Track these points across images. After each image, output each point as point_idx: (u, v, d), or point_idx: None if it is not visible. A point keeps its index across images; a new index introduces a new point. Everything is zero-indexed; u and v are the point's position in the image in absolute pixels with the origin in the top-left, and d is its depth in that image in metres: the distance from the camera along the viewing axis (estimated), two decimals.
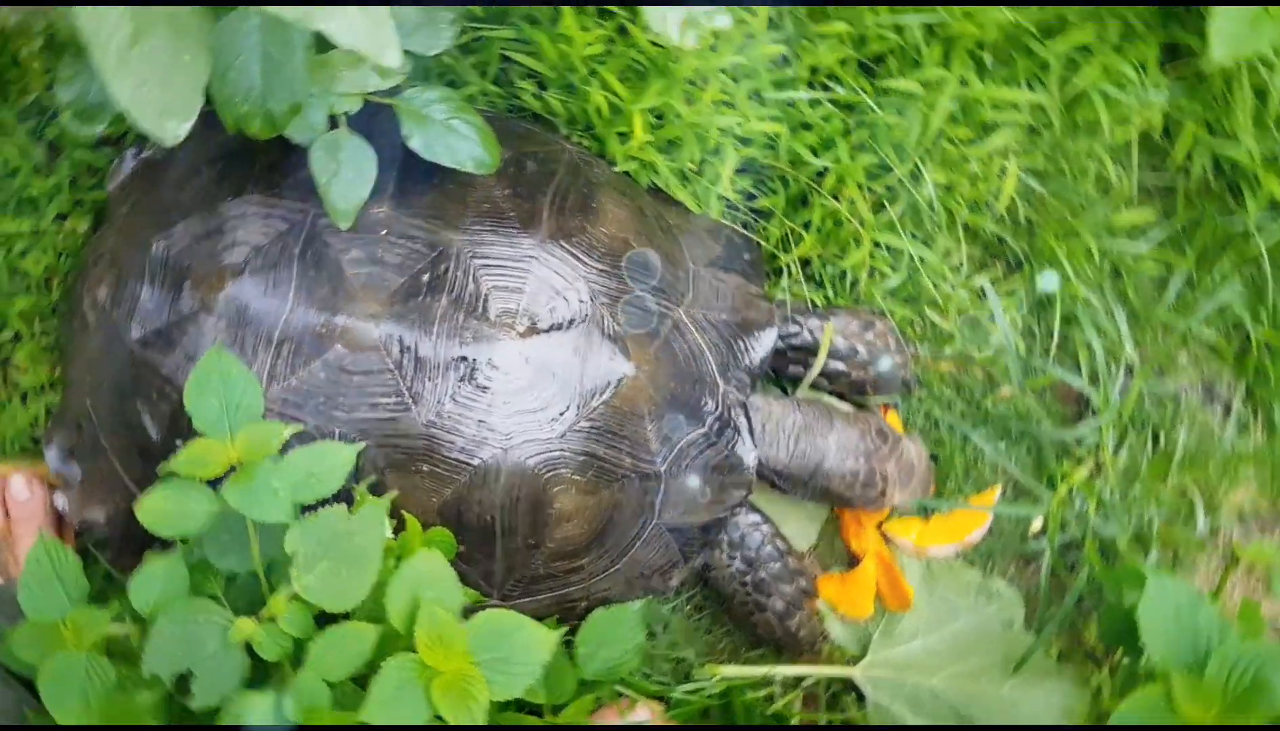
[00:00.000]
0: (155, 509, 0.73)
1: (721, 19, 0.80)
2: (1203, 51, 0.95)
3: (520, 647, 0.74)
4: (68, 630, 0.76)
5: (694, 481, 0.95)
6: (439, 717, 0.71)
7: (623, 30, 1.00)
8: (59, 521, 1.05)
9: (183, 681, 0.74)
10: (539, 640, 0.75)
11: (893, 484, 0.98)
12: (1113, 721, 0.75)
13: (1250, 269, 1.08)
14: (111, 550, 1.01)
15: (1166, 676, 0.75)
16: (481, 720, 0.72)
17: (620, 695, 1.00)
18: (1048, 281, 1.02)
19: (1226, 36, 0.92)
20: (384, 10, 0.63)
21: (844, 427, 0.98)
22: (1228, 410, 1.10)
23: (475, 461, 0.87)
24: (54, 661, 0.76)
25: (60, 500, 1.02)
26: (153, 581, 0.76)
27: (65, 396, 1.04)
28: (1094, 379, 1.05)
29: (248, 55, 0.71)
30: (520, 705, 0.96)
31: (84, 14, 0.63)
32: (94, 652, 0.76)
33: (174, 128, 0.65)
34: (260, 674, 0.78)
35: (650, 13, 0.78)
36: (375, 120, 0.86)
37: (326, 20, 0.59)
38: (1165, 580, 0.78)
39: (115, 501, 0.98)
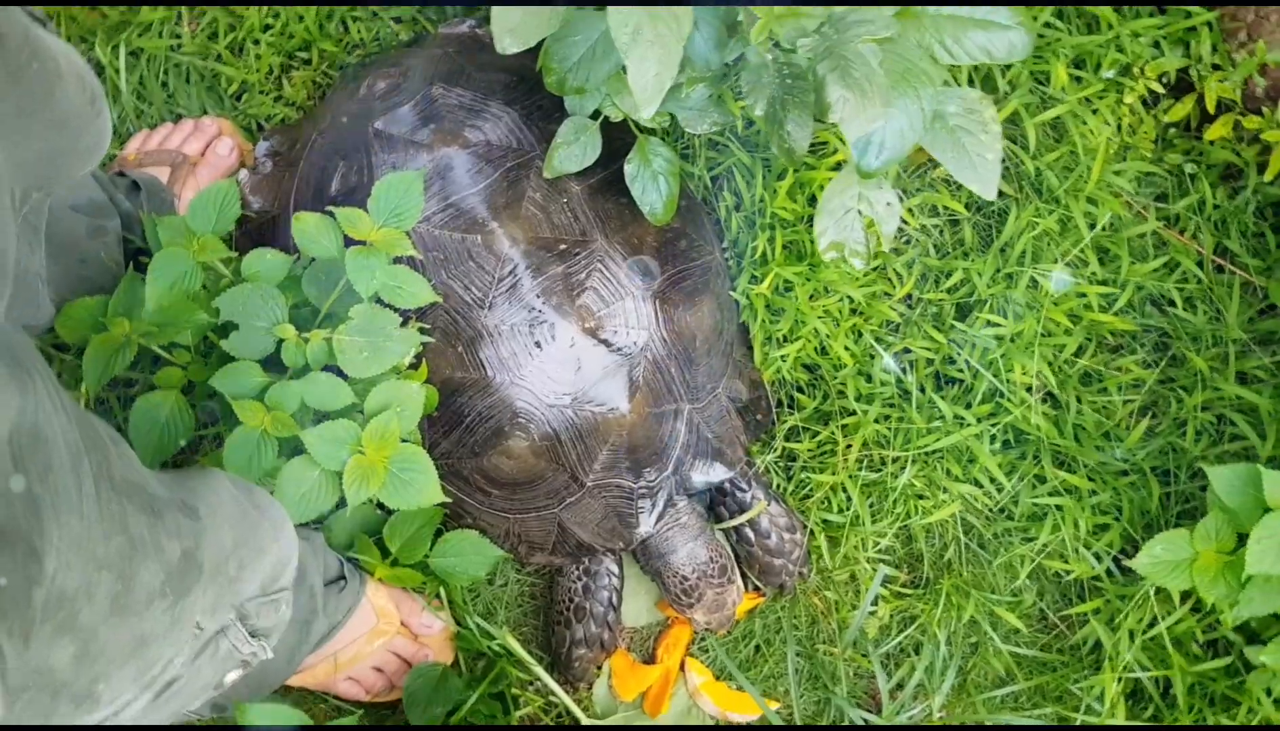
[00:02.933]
0: (307, 223, 1.01)
1: (858, 261, 1.06)
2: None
3: (418, 485, 0.99)
4: (196, 242, 1.04)
5: (599, 510, 1.19)
6: (341, 476, 0.96)
7: (811, 220, 1.27)
8: None
9: (226, 327, 1.02)
10: (431, 492, 1.00)
11: (703, 606, 1.21)
12: None
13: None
14: (241, 230, 1.29)
15: None
16: (359, 500, 0.97)
17: (437, 596, 1.23)
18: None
19: (1153, 557, 1.13)
20: (670, 78, 0.89)
21: (702, 546, 1.21)
22: None
23: (490, 373, 1.13)
24: (172, 252, 1.03)
25: (243, 175, 1.31)
26: (264, 262, 1.04)
27: (303, 121, 1.34)
28: (895, 694, 1.26)
29: (583, 39, 0.99)
30: (379, 543, 1.20)
31: None
32: (198, 265, 1.03)
33: (507, 43, 0.94)
34: (268, 366, 1.04)
35: (820, 218, 1.04)
36: (622, 135, 1.14)
37: (635, 60, 0.87)
38: None
39: (274, 203, 1.27)
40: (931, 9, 0.81)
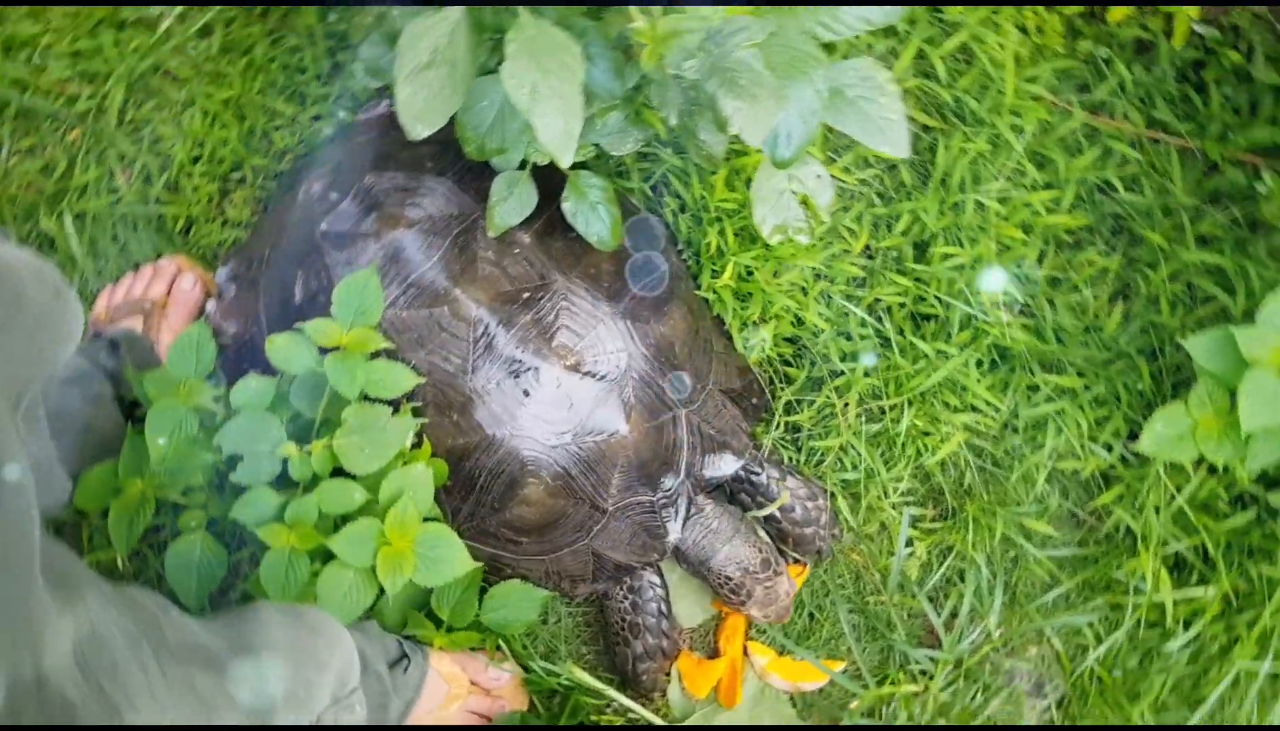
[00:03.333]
0: (280, 345, 1.05)
1: (803, 237, 1.09)
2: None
3: (448, 559, 1.04)
4: (182, 389, 1.08)
5: (627, 529, 1.23)
6: (375, 570, 1.00)
7: None
8: (198, 317, 1.38)
9: (234, 460, 1.06)
10: (461, 561, 1.04)
11: (754, 601, 1.24)
12: None
13: (1116, 614, 1.31)
14: (224, 356, 1.33)
15: None
16: (396, 589, 1.01)
17: (498, 648, 1.28)
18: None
19: (1156, 435, 1.17)
20: (578, 126, 0.93)
21: (741, 544, 1.25)
22: (1045, 706, 1.33)
23: (489, 432, 1.17)
24: (164, 404, 1.07)
25: (210, 305, 1.35)
26: (250, 390, 1.08)
27: (252, 238, 1.38)
28: (950, 625, 1.30)
29: (489, 105, 1.03)
30: (430, 614, 1.25)
31: (406, 34, 0.96)
32: (190, 410, 1.08)
33: (419, 130, 0.97)
34: (280, 486, 1.08)
35: (756, 206, 1.08)
36: (554, 173, 1.18)
37: (539, 117, 0.90)
38: None
39: (246, 325, 1.31)
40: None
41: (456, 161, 1.24)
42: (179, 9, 1.38)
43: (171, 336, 1.33)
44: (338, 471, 1.07)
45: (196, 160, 1.41)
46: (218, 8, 1.38)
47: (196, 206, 1.40)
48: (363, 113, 1.37)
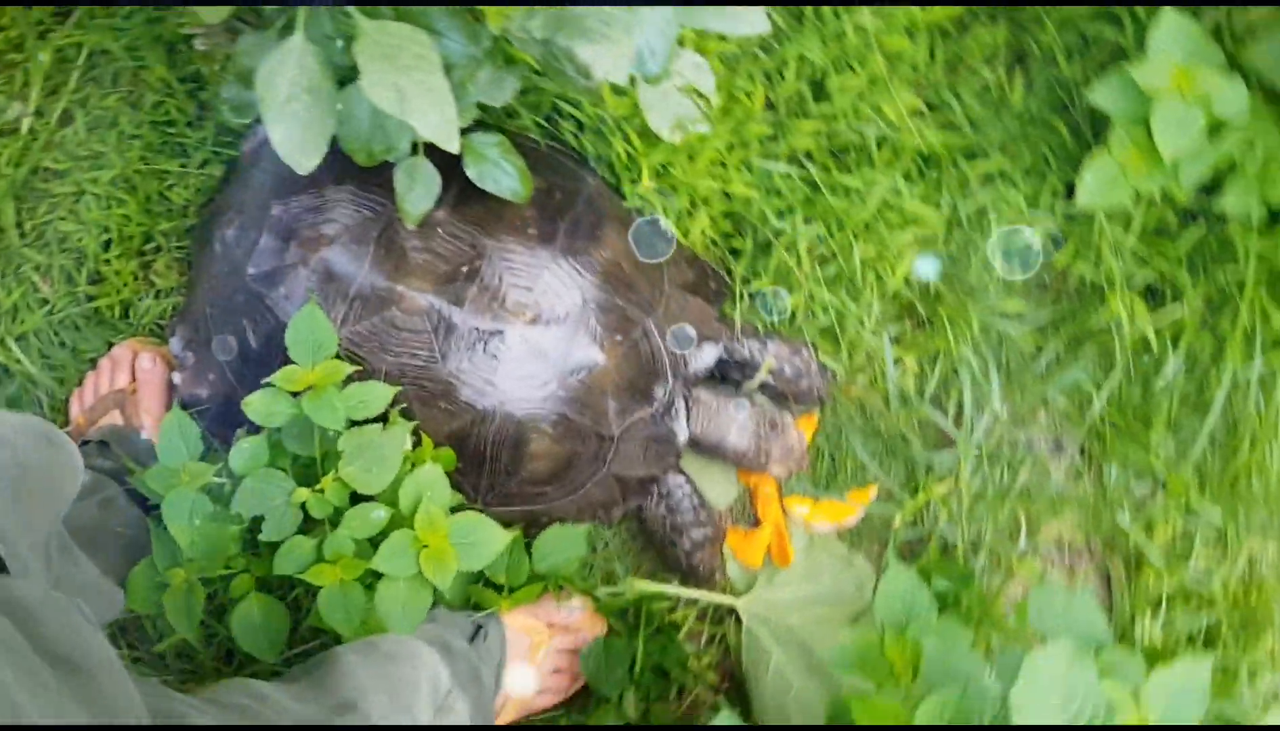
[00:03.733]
0: (256, 404, 1.07)
1: (702, 126, 1.10)
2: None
3: (484, 539, 1.09)
4: (185, 475, 1.12)
5: (638, 446, 1.28)
6: (422, 573, 1.06)
7: None
8: (170, 392, 1.41)
9: (256, 521, 1.10)
10: (498, 536, 1.09)
11: (774, 460, 1.31)
12: None
13: (1106, 359, 1.37)
14: (207, 420, 1.36)
15: None
16: (448, 584, 1.06)
17: (561, 588, 1.34)
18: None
19: (1089, 188, 1.20)
20: (453, 110, 0.93)
21: (747, 417, 1.31)
22: (1069, 460, 1.40)
23: (479, 406, 1.20)
24: (174, 495, 1.11)
25: (175, 377, 1.36)
26: (246, 453, 1.11)
27: (189, 301, 1.38)
28: (959, 420, 1.36)
29: (361, 112, 1.03)
30: (487, 582, 1.31)
31: (260, 77, 0.95)
32: (200, 493, 1.11)
33: (304, 162, 0.97)
34: (307, 527, 1.13)
35: (648, 114, 1.08)
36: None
37: (414, 117, 0.91)
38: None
39: (215, 385, 1.33)
40: None
41: (350, 164, 1.24)
42: (33, 109, 1.35)
43: (151, 417, 1.36)
44: (355, 497, 1.11)
45: (108, 245, 1.40)
46: (71, 93, 1.35)
47: (125, 288, 1.41)
48: (246, 145, 1.36)
